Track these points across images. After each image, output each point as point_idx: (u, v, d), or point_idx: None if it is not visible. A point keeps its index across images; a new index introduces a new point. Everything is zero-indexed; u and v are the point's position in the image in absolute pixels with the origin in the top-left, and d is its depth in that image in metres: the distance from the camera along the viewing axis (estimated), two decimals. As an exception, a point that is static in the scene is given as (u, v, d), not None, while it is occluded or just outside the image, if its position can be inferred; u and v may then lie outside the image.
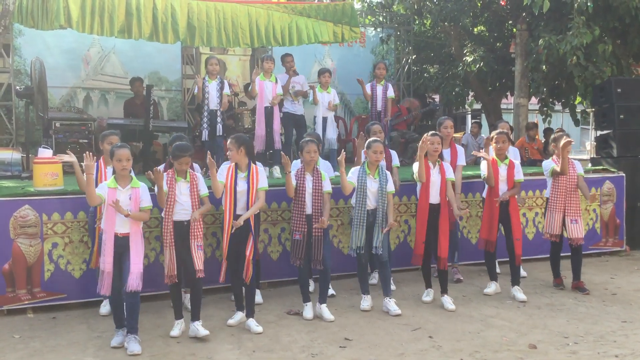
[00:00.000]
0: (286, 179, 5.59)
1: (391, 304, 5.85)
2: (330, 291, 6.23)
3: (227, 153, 5.48)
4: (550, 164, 6.56)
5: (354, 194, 5.89)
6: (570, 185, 6.48)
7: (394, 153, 6.84)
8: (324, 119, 8.26)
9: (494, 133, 6.52)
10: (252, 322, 5.41)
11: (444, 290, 6.09)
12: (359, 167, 5.94)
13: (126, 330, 4.98)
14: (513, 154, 7.05)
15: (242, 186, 5.41)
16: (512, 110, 11.28)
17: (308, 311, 5.74)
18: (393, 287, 6.44)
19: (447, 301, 6.02)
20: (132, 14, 7.19)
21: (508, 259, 6.43)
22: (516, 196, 6.44)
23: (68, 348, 4.99)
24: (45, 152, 6.30)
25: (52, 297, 5.95)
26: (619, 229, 8.53)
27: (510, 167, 6.35)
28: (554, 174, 6.47)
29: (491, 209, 6.29)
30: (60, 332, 5.36)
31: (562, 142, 6.28)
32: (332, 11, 8.61)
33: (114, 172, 5.00)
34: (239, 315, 5.55)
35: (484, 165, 6.35)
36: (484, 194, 6.49)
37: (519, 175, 6.38)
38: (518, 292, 6.33)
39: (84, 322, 5.64)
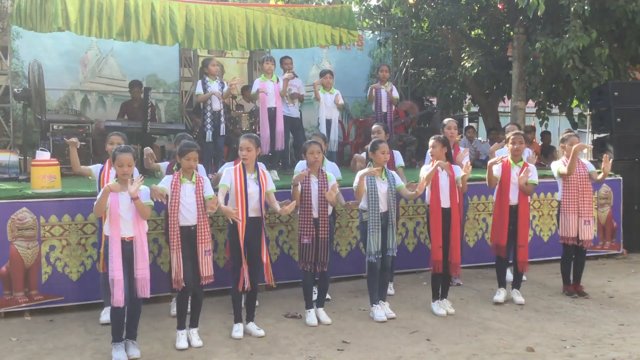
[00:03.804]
0: (293, 190, 5.57)
1: (386, 309, 5.82)
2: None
3: (242, 152, 5.27)
4: (557, 165, 6.50)
5: (364, 198, 5.64)
6: (582, 185, 6.39)
7: (397, 153, 6.65)
8: (328, 121, 8.27)
9: (510, 134, 6.35)
10: (253, 326, 5.40)
11: (444, 295, 6.04)
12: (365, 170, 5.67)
13: (124, 335, 4.86)
14: (526, 155, 6.76)
15: (253, 187, 5.28)
16: (510, 114, 11.28)
17: (312, 318, 5.62)
18: (392, 291, 6.44)
19: (447, 305, 6.01)
20: (130, 17, 7.18)
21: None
22: (529, 200, 6.26)
23: (65, 351, 4.98)
24: (43, 155, 6.30)
25: (50, 300, 5.94)
26: (616, 232, 8.55)
27: (524, 169, 6.15)
28: (562, 175, 6.42)
29: (501, 212, 6.17)
30: (57, 335, 5.36)
31: (575, 145, 6.24)
32: (330, 14, 8.61)
33: (116, 175, 4.86)
34: (241, 327, 5.36)
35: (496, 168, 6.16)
36: (495, 197, 6.33)
37: (534, 177, 6.15)
38: (516, 295, 6.33)
39: (81, 325, 5.63)
